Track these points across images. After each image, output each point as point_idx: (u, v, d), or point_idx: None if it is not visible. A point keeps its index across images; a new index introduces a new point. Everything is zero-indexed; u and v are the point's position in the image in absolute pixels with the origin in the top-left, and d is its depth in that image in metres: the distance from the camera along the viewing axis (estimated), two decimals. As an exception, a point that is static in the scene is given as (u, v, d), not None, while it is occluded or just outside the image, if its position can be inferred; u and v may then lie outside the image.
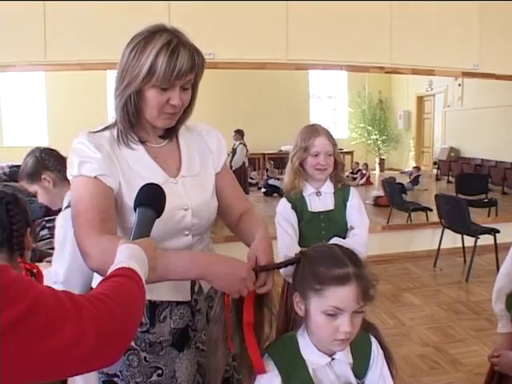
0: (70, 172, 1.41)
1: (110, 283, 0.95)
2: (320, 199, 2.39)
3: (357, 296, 1.22)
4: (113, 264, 1.04)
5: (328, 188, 2.41)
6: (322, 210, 2.37)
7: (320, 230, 2.35)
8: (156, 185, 1.30)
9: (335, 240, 2.27)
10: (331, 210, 2.38)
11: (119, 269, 1.00)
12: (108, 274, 1.01)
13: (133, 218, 1.26)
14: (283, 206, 2.40)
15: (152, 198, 1.26)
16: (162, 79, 1.35)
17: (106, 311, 0.85)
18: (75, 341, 0.77)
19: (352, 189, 2.47)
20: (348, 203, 2.40)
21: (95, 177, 1.37)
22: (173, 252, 1.35)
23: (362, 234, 2.33)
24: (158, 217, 1.25)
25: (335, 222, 2.38)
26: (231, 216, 1.64)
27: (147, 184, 1.30)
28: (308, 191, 2.40)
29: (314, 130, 2.41)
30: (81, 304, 0.81)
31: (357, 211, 2.40)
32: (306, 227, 2.36)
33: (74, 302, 0.81)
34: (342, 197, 2.41)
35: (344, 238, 2.34)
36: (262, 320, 1.36)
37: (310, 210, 2.37)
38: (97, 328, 0.80)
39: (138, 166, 1.45)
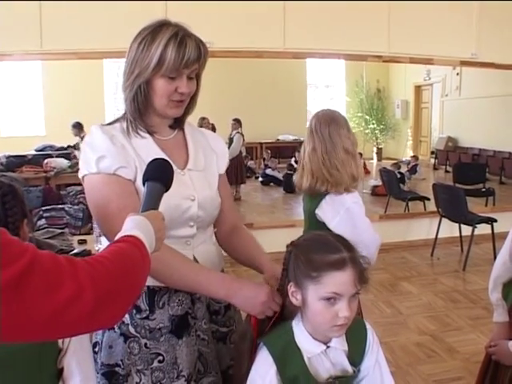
0: (88, 169, 1.44)
1: (110, 248, 0.98)
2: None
3: (353, 280, 1.23)
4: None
5: None
6: None
7: None
8: (164, 159, 1.35)
9: None
10: None
11: (122, 237, 1.03)
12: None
13: None
14: (359, 200, 2.25)
15: (160, 172, 1.29)
16: (172, 68, 1.42)
17: (103, 269, 0.87)
18: (74, 297, 0.79)
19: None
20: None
21: (114, 173, 1.41)
22: (205, 270, 1.46)
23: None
24: (167, 190, 1.28)
25: None
26: (223, 226, 1.71)
27: (155, 159, 1.34)
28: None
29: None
30: (77, 263, 0.84)
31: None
32: None
33: (70, 261, 0.83)
34: None
35: None
36: None
37: None
38: (94, 285, 0.83)
39: (148, 156, 1.46)
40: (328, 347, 1.31)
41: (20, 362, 1.24)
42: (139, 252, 1.00)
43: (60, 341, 1.32)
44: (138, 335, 1.48)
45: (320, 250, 1.26)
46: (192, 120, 1.71)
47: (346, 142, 2.21)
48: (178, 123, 1.62)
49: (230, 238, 1.70)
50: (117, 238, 1.04)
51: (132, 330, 1.48)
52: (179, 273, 1.36)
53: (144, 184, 1.27)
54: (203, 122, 6.97)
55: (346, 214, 2.17)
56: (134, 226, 1.07)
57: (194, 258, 1.54)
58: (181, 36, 1.42)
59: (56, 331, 0.82)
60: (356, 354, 1.35)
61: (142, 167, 1.43)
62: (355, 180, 2.23)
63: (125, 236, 1.03)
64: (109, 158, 1.42)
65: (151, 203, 1.22)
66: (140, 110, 1.50)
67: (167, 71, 1.42)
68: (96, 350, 1.52)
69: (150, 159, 1.38)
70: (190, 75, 1.48)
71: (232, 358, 1.54)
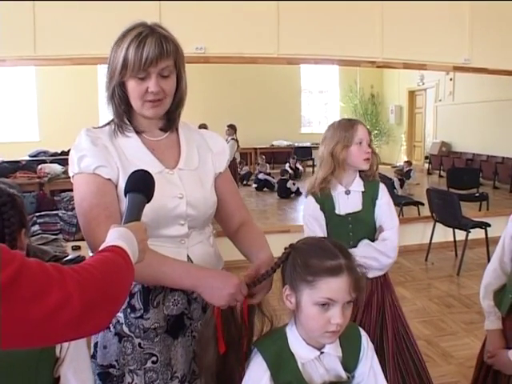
0: (72, 170, 1.48)
1: (96, 257, 1.00)
2: (348, 198, 2.28)
3: (349, 287, 1.23)
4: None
5: (358, 186, 2.30)
6: (349, 211, 2.26)
7: (348, 231, 2.27)
8: (144, 171, 1.35)
9: (365, 244, 2.23)
10: (359, 211, 2.27)
11: (107, 247, 1.05)
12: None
13: None
14: (312, 208, 2.27)
15: (141, 184, 1.30)
16: (134, 68, 1.43)
17: (89, 277, 0.89)
18: (61, 305, 0.81)
19: (381, 185, 2.36)
20: (378, 201, 2.31)
21: (94, 172, 1.43)
22: (170, 259, 1.41)
23: (393, 238, 2.28)
24: (148, 201, 1.30)
25: (363, 222, 2.29)
26: (230, 224, 1.69)
27: (136, 170, 1.34)
28: (337, 190, 2.28)
29: (352, 120, 2.35)
30: (64, 271, 0.85)
31: (387, 211, 2.32)
32: (334, 230, 2.26)
33: (57, 269, 0.85)
34: (370, 195, 2.31)
35: (372, 239, 2.28)
36: (251, 330, 1.45)
37: (337, 212, 2.26)
38: (81, 293, 0.84)
39: (134, 156, 1.50)
40: (322, 353, 1.31)
41: (17, 370, 1.24)
42: (124, 262, 1.02)
43: (57, 350, 1.32)
44: (132, 335, 1.47)
45: (318, 254, 1.26)
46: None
47: None
48: (169, 125, 1.61)
49: (237, 234, 1.68)
50: (101, 247, 1.06)
51: (126, 329, 1.47)
52: (143, 263, 1.23)
53: (125, 195, 1.29)
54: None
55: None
56: (117, 236, 1.09)
57: (189, 257, 1.53)
58: (143, 36, 1.42)
59: (44, 337, 0.83)
60: (350, 360, 1.35)
61: (125, 167, 1.45)
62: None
63: (110, 246, 1.05)
64: (89, 157, 1.44)
65: (133, 214, 1.24)
66: (119, 111, 1.52)
67: (133, 72, 1.43)
68: (96, 349, 1.51)
69: (137, 160, 1.42)
70: (161, 73, 1.46)
71: (196, 346, 1.52)
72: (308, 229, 2.27)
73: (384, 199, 2.32)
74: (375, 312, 2.26)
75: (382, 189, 2.35)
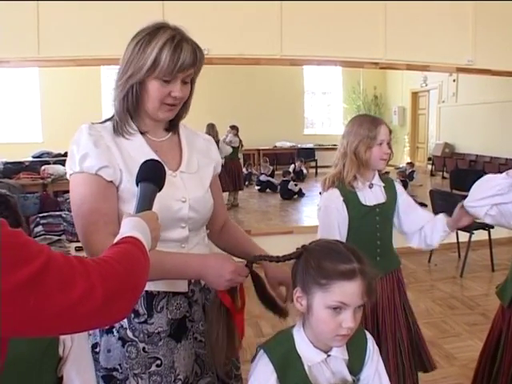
0: (72, 167, 1.45)
1: (114, 249, 1.03)
2: (372, 192, 2.29)
3: (361, 291, 1.23)
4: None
5: (378, 180, 2.32)
6: (375, 203, 2.27)
7: (375, 223, 2.26)
8: (155, 160, 1.37)
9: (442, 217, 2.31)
10: (385, 203, 2.29)
11: (122, 238, 1.08)
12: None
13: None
14: (335, 200, 2.24)
15: (152, 173, 1.32)
16: (166, 71, 1.42)
17: (111, 269, 0.93)
18: (85, 295, 0.84)
19: (396, 183, 2.43)
20: (399, 196, 2.36)
21: (96, 173, 1.42)
22: (168, 256, 1.43)
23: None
24: (159, 190, 1.32)
25: (388, 214, 2.31)
26: (215, 224, 1.75)
27: (147, 160, 1.36)
28: (360, 184, 2.27)
29: (376, 119, 2.34)
30: (87, 263, 0.89)
31: (413, 202, 2.40)
32: (360, 221, 2.25)
33: (80, 261, 0.88)
34: (390, 190, 2.34)
35: (392, 232, 2.35)
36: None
37: (364, 203, 2.26)
38: (103, 283, 0.88)
39: (138, 156, 1.48)
40: (328, 356, 1.31)
41: (21, 368, 1.25)
42: (140, 252, 1.06)
43: (60, 349, 1.33)
44: (136, 339, 1.48)
45: (332, 257, 1.26)
46: (200, 128, 1.72)
47: None
48: (172, 126, 1.62)
49: (221, 235, 1.76)
50: (117, 238, 1.09)
51: (130, 334, 1.48)
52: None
53: (137, 185, 1.30)
54: (213, 130, 6.98)
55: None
56: (132, 227, 1.12)
57: None
58: (177, 40, 1.42)
59: (68, 326, 0.87)
60: (356, 363, 1.35)
61: (130, 167, 1.45)
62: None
63: (126, 237, 1.08)
64: (92, 157, 1.42)
65: (145, 204, 1.26)
66: (129, 111, 1.51)
67: (161, 74, 1.42)
68: (97, 350, 1.51)
69: (142, 159, 1.40)
70: (184, 80, 1.48)
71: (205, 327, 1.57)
72: (324, 221, 2.24)
73: (405, 194, 2.41)
74: (400, 311, 2.30)
75: (399, 186, 2.42)
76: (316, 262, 1.27)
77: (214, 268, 1.42)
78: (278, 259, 1.41)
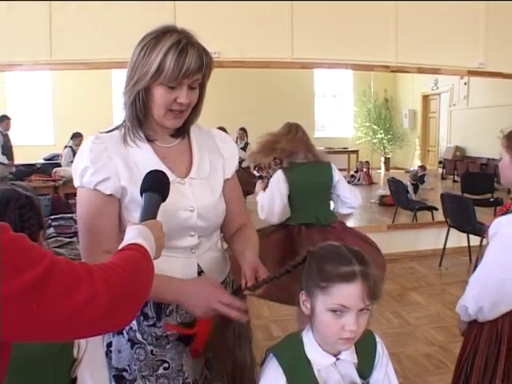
0: (75, 180, 1.47)
1: (119, 255, 1.04)
2: None
3: (362, 294, 1.22)
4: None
5: None
6: None
7: None
8: (159, 171, 1.37)
9: None
10: None
11: (127, 245, 1.09)
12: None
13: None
14: None
15: (156, 183, 1.33)
16: (170, 77, 1.38)
17: (115, 275, 0.93)
18: (90, 300, 0.84)
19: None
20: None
21: (94, 188, 1.41)
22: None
23: None
24: (164, 200, 1.32)
25: None
26: (229, 229, 1.71)
27: (151, 171, 1.36)
28: None
29: None
30: (92, 269, 0.90)
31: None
32: None
33: (85, 267, 0.89)
34: None
35: None
36: (226, 344, 1.45)
37: None
38: (108, 289, 0.88)
39: (144, 165, 1.45)
40: (338, 359, 1.31)
41: (36, 369, 1.26)
42: (145, 258, 1.06)
43: (75, 350, 1.34)
44: (145, 342, 1.48)
45: (332, 260, 1.25)
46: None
47: None
48: (180, 132, 1.58)
49: (232, 239, 1.71)
50: (122, 245, 1.10)
51: (139, 336, 1.49)
52: None
53: (142, 195, 1.31)
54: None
55: None
56: (136, 234, 1.13)
57: (198, 265, 1.55)
58: (183, 44, 1.38)
59: (71, 331, 0.87)
60: (365, 367, 1.35)
61: (135, 177, 1.43)
62: None
63: (130, 244, 1.08)
64: (91, 170, 1.41)
65: (149, 213, 1.27)
66: (139, 117, 1.47)
67: (166, 80, 1.38)
68: (111, 349, 1.52)
69: (148, 168, 1.39)
70: (191, 85, 1.44)
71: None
72: None
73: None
74: None
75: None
76: (317, 265, 1.27)
77: (198, 297, 1.39)
78: (282, 274, 1.39)
